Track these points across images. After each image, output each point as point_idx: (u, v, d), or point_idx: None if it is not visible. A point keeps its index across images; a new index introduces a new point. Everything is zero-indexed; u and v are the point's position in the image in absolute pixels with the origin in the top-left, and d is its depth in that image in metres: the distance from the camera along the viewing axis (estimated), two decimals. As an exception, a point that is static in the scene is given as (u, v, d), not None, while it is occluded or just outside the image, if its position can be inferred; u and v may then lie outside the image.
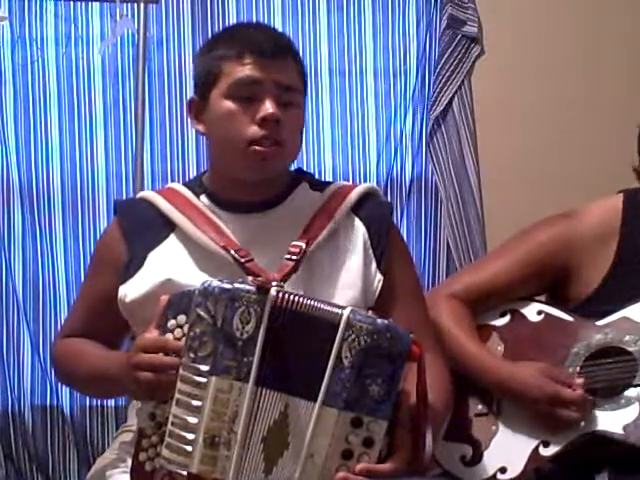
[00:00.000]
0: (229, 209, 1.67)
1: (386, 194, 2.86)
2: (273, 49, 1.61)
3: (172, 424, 1.41)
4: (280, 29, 1.89)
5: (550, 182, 2.90)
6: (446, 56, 2.88)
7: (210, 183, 1.71)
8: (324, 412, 1.40)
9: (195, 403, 1.40)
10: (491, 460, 1.81)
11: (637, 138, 1.93)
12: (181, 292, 1.46)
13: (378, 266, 1.65)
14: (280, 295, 1.42)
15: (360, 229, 1.67)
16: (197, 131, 1.70)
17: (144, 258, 1.64)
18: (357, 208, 1.68)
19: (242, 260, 1.54)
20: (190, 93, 1.72)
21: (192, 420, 1.40)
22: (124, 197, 2.80)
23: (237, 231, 1.63)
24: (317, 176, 1.84)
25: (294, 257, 1.55)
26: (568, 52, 2.95)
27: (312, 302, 1.43)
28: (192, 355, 1.41)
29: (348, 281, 1.62)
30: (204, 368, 1.40)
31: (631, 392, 1.75)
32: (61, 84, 2.84)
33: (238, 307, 1.41)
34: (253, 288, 1.43)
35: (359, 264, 1.64)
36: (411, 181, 2.93)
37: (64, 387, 2.74)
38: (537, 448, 1.78)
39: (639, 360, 1.76)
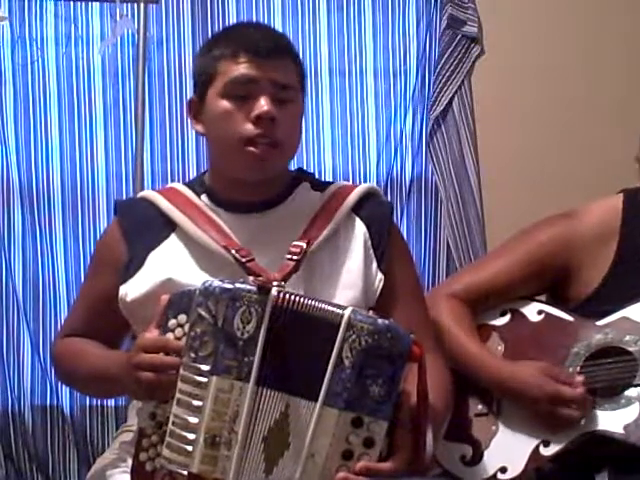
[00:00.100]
0: (230, 209, 1.67)
1: (386, 194, 2.85)
2: (269, 48, 1.61)
3: (173, 424, 1.41)
4: (280, 29, 1.89)
5: (550, 182, 2.90)
6: (446, 56, 2.88)
7: (211, 183, 1.71)
8: (325, 412, 1.40)
9: (196, 403, 1.40)
10: (491, 460, 1.81)
11: None
12: (182, 292, 1.46)
13: (379, 266, 1.65)
14: (281, 295, 1.42)
15: (361, 229, 1.67)
16: (196, 132, 1.70)
17: (145, 258, 1.64)
18: (358, 208, 1.68)
19: (243, 260, 1.54)
20: (190, 93, 1.72)
21: (193, 420, 1.40)
22: (124, 197, 2.80)
23: (238, 231, 1.63)
24: (317, 176, 1.84)
25: (295, 257, 1.55)
26: (568, 52, 2.95)
27: (313, 302, 1.43)
28: (193, 355, 1.41)
29: (349, 281, 1.62)
30: (205, 368, 1.40)
31: (631, 392, 1.75)
32: (61, 84, 2.84)
33: (239, 307, 1.41)
34: (254, 288, 1.43)
35: (360, 264, 1.64)
36: (411, 181, 2.93)
37: (64, 387, 2.74)
38: (537, 448, 1.77)
39: (639, 360, 1.76)
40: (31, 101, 2.82)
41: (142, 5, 2.61)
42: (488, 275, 1.93)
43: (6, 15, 2.73)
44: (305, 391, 1.41)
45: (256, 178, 1.63)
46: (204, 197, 1.69)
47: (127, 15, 2.65)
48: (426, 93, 2.93)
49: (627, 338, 1.78)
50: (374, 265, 1.65)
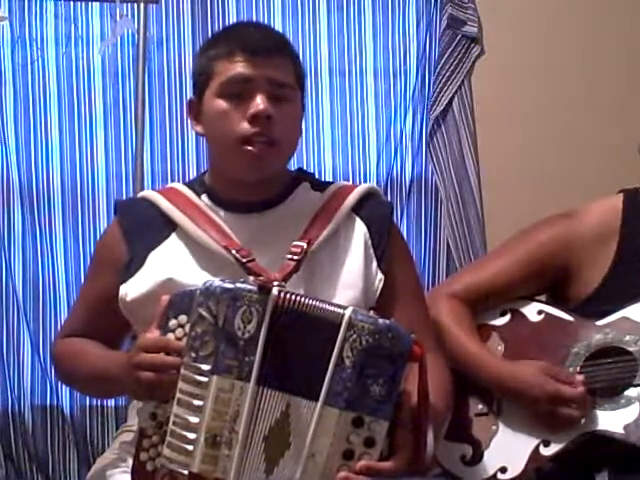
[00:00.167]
0: (230, 209, 1.66)
1: (386, 194, 2.86)
2: (265, 46, 1.61)
3: (173, 423, 1.41)
4: (280, 29, 1.89)
5: (550, 182, 2.90)
6: (446, 56, 2.88)
7: (211, 183, 1.71)
8: (325, 412, 1.40)
9: (196, 402, 1.40)
10: (491, 460, 1.81)
11: None
12: (182, 292, 1.45)
13: (379, 266, 1.65)
14: (282, 295, 1.42)
15: (361, 229, 1.67)
16: (196, 132, 1.70)
17: (145, 257, 1.64)
18: (358, 208, 1.68)
19: (243, 260, 1.54)
20: (190, 93, 1.72)
21: (193, 419, 1.40)
22: (124, 197, 2.80)
23: (238, 231, 1.62)
24: (317, 176, 1.83)
25: (295, 257, 1.55)
26: (568, 52, 2.95)
27: (314, 302, 1.43)
28: (193, 354, 1.41)
29: (349, 281, 1.62)
30: (205, 367, 1.40)
31: (631, 392, 1.75)
32: (61, 84, 2.84)
33: (240, 307, 1.41)
34: (255, 288, 1.43)
35: (360, 264, 1.64)
36: (411, 181, 2.93)
37: (64, 387, 2.74)
38: (537, 447, 1.78)
39: (639, 360, 1.76)
40: (31, 101, 2.82)
41: (142, 5, 2.61)
42: (488, 275, 1.93)
43: (6, 15, 2.73)
44: (306, 391, 1.41)
45: (255, 177, 1.63)
46: (204, 197, 1.69)
47: (127, 15, 2.65)
48: (426, 93, 2.93)
49: (627, 338, 1.78)
50: (374, 265, 1.65)
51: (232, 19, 2.85)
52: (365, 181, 2.90)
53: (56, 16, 2.82)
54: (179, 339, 1.43)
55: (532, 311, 1.90)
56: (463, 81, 2.89)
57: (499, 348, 1.89)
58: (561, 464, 1.79)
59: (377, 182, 2.89)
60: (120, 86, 2.85)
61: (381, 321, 1.42)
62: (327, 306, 1.43)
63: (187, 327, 1.43)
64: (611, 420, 1.74)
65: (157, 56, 2.86)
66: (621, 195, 1.94)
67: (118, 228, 1.70)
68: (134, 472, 1.45)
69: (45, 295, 2.83)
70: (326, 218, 1.64)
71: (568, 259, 1.90)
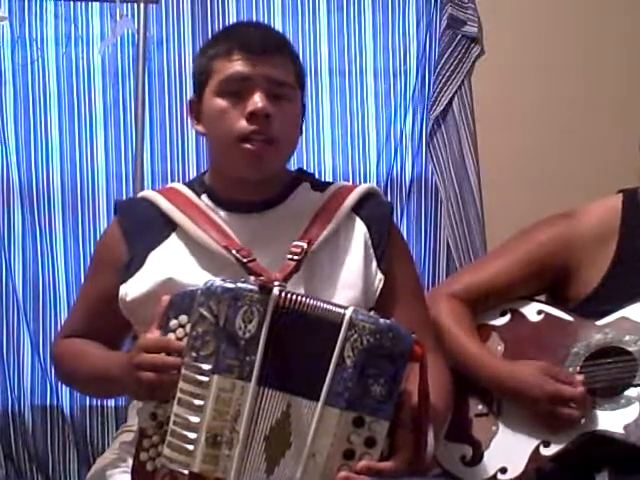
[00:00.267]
0: (230, 209, 1.66)
1: (386, 194, 2.86)
2: (263, 45, 1.61)
3: (174, 423, 1.41)
4: (280, 29, 1.89)
5: (550, 182, 2.90)
6: (446, 56, 2.88)
7: (211, 183, 1.71)
8: (326, 412, 1.40)
9: (197, 402, 1.40)
10: (491, 460, 1.81)
11: None
12: (183, 292, 1.46)
13: (379, 266, 1.65)
14: (283, 294, 1.42)
15: (361, 229, 1.67)
16: (197, 132, 1.70)
17: (145, 257, 1.64)
18: (358, 208, 1.68)
19: (244, 260, 1.54)
20: (190, 93, 1.73)
21: (194, 419, 1.40)
22: (124, 197, 2.80)
23: (238, 231, 1.62)
24: (317, 176, 1.84)
25: (296, 257, 1.55)
26: (568, 52, 2.95)
27: (315, 302, 1.43)
28: (194, 354, 1.41)
29: (349, 281, 1.62)
30: (206, 367, 1.40)
31: (631, 392, 1.75)
32: (61, 84, 2.84)
33: (241, 306, 1.41)
34: (256, 287, 1.43)
35: (360, 264, 1.64)
36: (411, 181, 2.93)
37: (64, 387, 2.74)
38: (538, 448, 1.78)
39: (639, 360, 1.76)
40: (31, 101, 2.82)
41: (142, 5, 2.61)
42: (488, 275, 1.93)
43: (6, 15, 2.73)
44: (307, 390, 1.41)
45: (254, 176, 1.63)
46: (204, 197, 1.69)
47: (127, 15, 2.65)
48: (426, 93, 2.93)
49: (627, 338, 1.78)
50: (374, 265, 1.65)
51: (232, 19, 2.86)
52: (365, 181, 2.90)
53: (56, 16, 2.82)
54: (180, 339, 1.43)
55: (532, 311, 1.90)
56: (463, 81, 2.89)
57: (499, 348, 1.89)
58: (561, 464, 1.79)
59: (377, 182, 2.89)
60: (120, 86, 2.85)
61: (382, 321, 1.42)
62: (328, 306, 1.43)
63: (188, 327, 1.43)
64: (611, 420, 1.74)
65: (157, 56, 2.86)
66: (620, 195, 1.94)
67: (118, 228, 1.70)
68: (134, 472, 1.45)
69: (45, 295, 2.83)
70: (326, 218, 1.64)
71: (568, 259, 1.90)
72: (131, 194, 2.72)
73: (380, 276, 1.65)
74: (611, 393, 1.77)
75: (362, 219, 1.68)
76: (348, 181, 2.77)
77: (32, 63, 2.82)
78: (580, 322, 1.84)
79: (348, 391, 1.40)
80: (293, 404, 1.41)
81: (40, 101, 2.83)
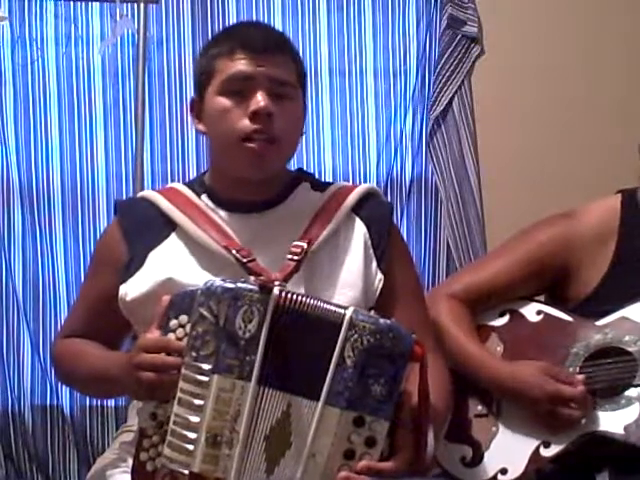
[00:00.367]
0: (230, 209, 1.66)
1: (386, 194, 2.86)
2: (265, 44, 1.61)
3: (174, 423, 1.41)
4: (280, 29, 1.89)
5: (550, 182, 2.90)
6: (446, 56, 2.88)
7: (211, 183, 1.71)
8: (326, 411, 1.40)
9: (197, 402, 1.40)
10: (491, 461, 1.81)
11: None
12: (183, 292, 1.45)
13: (378, 266, 1.65)
14: (283, 294, 1.42)
15: (361, 229, 1.67)
16: (198, 131, 1.70)
17: (145, 257, 1.64)
18: (358, 208, 1.68)
19: (244, 260, 1.54)
20: (190, 93, 1.72)
21: (194, 419, 1.40)
22: (124, 197, 2.80)
23: (238, 231, 1.62)
24: (317, 176, 1.84)
25: (296, 257, 1.55)
26: (568, 52, 2.95)
27: (315, 302, 1.43)
28: (194, 354, 1.41)
29: (349, 281, 1.62)
30: (206, 367, 1.40)
31: (631, 392, 1.75)
32: (61, 84, 2.84)
33: (241, 306, 1.41)
34: (256, 287, 1.43)
35: (360, 264, 1.64)
36: (411, 181, 2.93)
37: (64, 387, 2.74)
38: (538, 449, 1.78)
39: (639, 360, 1.76)
40: (31, 101, 2.82)
41: (142, 5, 2.61)
42: (488, 275, 1.93)
43: (6, 15, 2.73)
44: (307, 390, 1.41)
45: (256, 176, 1.63)
46: (204, 197, 1.69)
47: (127, 15, 2.65)
48: (426, 93, 2.93)
49: (626, 338, 1.78)
50: (374, 265, 1.65)
51: (232, 19, 2.86)
52: (365, 181, 2.90)
53: (56, 16, 2.82)
54: (180, 339, 1.43)
55: (531, 311, 1.90)
56: (463, 81, 2.89)
57: (498, 349, 1.89)
58: (561, 465, 1.79)
59: (377, 182, 2.89)
60: (120, 86, 2.85)
61: (382, 321, 1.42)
62: (328, 306, 1.43)
63: (188, 327, 1.43)
64: (611, 421, 1.74)
65: (157, 56, 2.86)
66: (619, 195, 1.94)
67: (118, 228, 1.70)
68: (134, 472, 1.45)
69: (45, 295, 2.83)
70: (326, 218, 1.64)
71: (568, 259, 1.90)
72: (131, 194, 2.72)
73: (380, 276, 1.65)
74: (611, 393, 1.77)
75: (362, 219, 1.68)
76: (348, 181, 2.78)
77: (32, 63, 2.82)
78: (580, 322, 1.84)
79: (348, 391, 1.40)
80: (293, 404, 1.41)
81: (40, 101, 2.83)
